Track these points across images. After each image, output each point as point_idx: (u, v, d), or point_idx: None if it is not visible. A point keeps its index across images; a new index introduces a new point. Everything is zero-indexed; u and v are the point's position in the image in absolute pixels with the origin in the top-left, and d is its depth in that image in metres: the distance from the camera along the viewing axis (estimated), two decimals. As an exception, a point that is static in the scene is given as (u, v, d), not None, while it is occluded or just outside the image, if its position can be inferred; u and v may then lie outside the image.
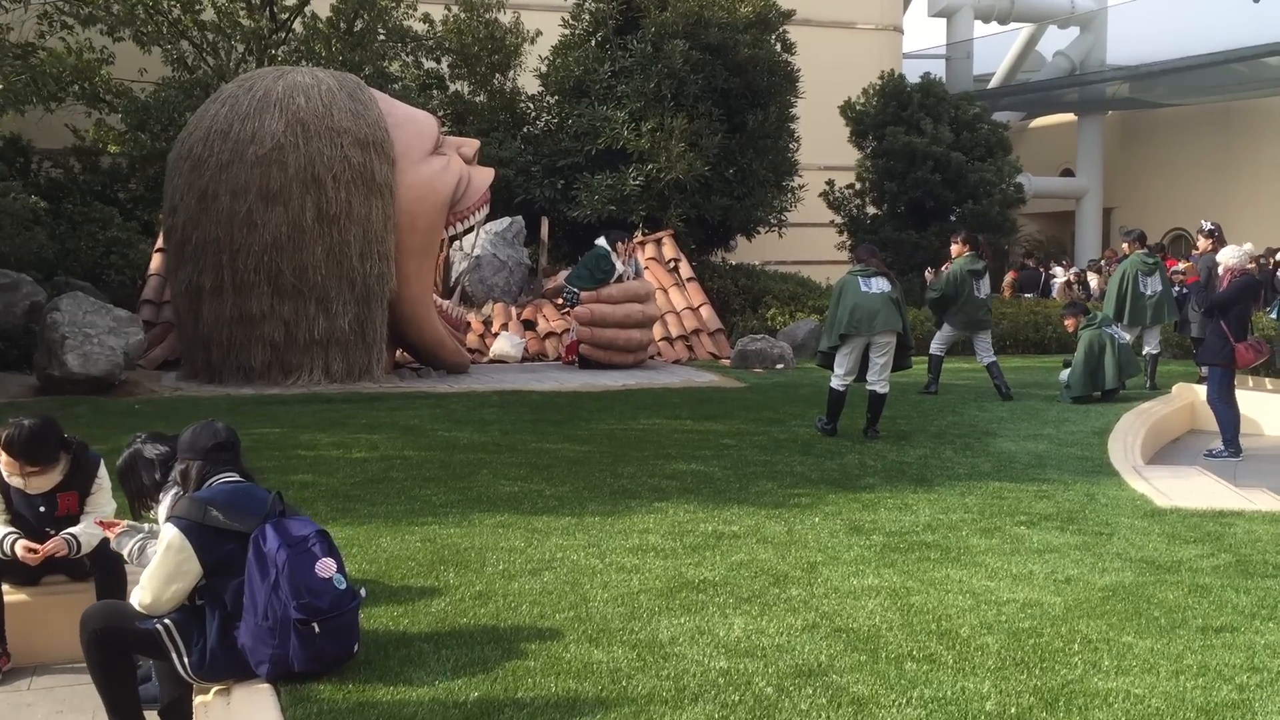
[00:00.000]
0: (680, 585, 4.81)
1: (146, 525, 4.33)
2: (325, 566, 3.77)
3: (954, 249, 11.92)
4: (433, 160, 11.61)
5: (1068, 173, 31.18)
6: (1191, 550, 5.48)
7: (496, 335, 14.30)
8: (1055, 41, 30.25)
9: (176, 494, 3.99)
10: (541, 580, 4.87)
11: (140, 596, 3.76)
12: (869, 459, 7.87)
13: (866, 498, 6.62)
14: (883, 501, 6.51)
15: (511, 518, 6.00)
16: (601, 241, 13.38)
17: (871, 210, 20.84)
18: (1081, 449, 8.40)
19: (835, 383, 8.83)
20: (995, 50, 30.22)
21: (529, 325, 14.92)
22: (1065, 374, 11.39)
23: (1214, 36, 25.06)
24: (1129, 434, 9.01)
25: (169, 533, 3.74)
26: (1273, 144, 27.20)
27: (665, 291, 15.46)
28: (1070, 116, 30.83)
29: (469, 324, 14.18)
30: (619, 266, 13.36)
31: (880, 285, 8.67)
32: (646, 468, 7.33)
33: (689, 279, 15.82)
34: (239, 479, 3.95)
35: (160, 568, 3.72)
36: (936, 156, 19.32)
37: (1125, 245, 12.51)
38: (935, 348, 11.91)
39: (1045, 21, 30.10)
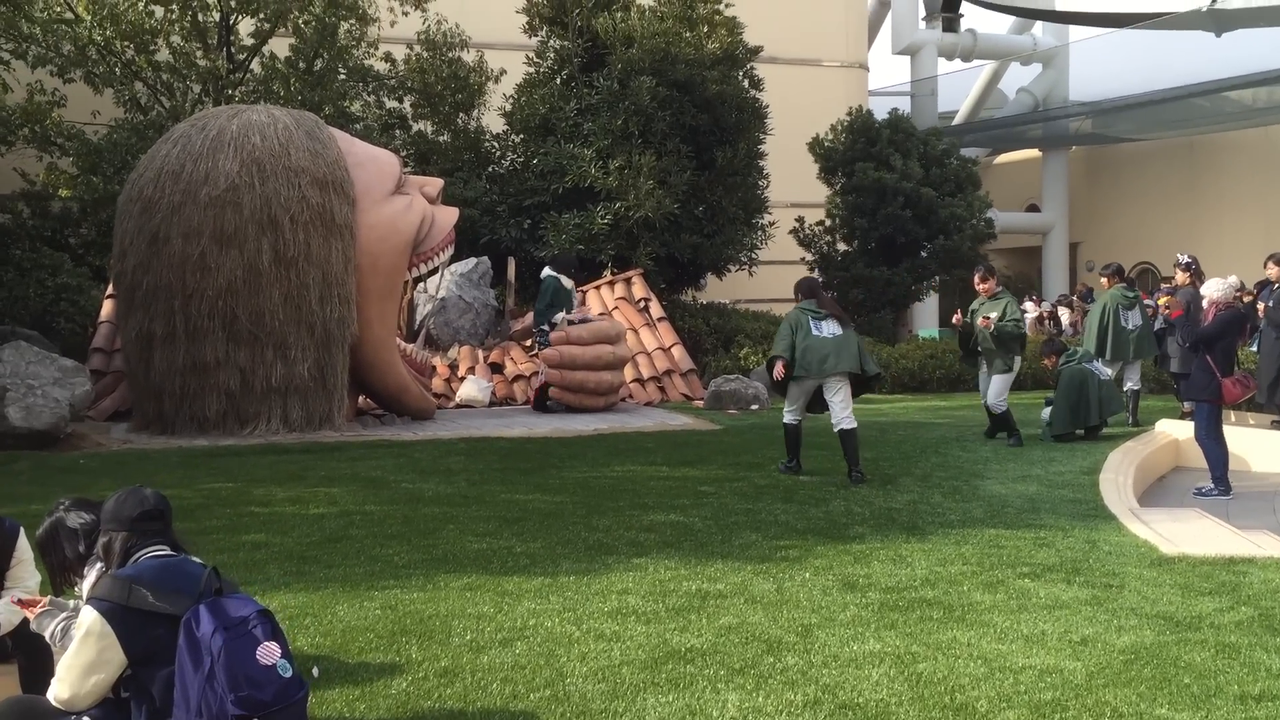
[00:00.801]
0: (666, 655, 4.41)
1: (71, 603, 3.89)
2: (268, 652, 3.33)
3: (1103, 282, 12.06)
4: (395, 200, 11.38)
5: (1033, 208, 31.29)
6: (1209, 603, 5.14)
7: (463, 379, 14.06)
8: (1018, 78, 30.45)
9: (100, 570, 3.55)
10: (513, 652, 4.46)
11: (56, 691, 3.32)
12: (855, 505, 7.54)
13: (857, 549, 6.26)
14: (875, 553, 6.16)
15: (480, 579, 5.60)
16: (548, 272, 13.15)
17: (842, 247, 20.77)
18: (1073, 490, 8.12)
19: (787, 418, 8.85)
20: (959, 87, 30.38)
21: (496, 368, 14.64)
22: (1046, 412, 11.15)
23: (1176, 71, 25.23)
24: (1119, 474, 8.74)
25: (88, 617, 3.29)
26: (1236, 177, 27.37)
27: (636, 332, 15.26)
28: (1035, 152, 30.99)
29: (434, 368, 13.91)
30: (575, 295, 13.31)
31: (831, 329, 8.69)
32: (623, 519, 6.99)
33: (659, 319, 15.63)
34: (169, 552, 3.51)
35: (78, 657, 3.28)
36: (907, 192, 19.29)
37: (1104, 280, 12.31)
38: (995, 399, 10.60)
39: (1008, 58, 30.29)
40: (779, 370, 8.61)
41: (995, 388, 10.54)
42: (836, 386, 8.67)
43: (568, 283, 13.21)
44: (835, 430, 8.67)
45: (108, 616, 3.27)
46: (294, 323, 10.69)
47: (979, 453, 9.92)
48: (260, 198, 10.64)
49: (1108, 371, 11.38)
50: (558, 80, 17.52)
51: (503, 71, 18.56)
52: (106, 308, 13.46)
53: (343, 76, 17.48)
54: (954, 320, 10.83)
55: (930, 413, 13.63)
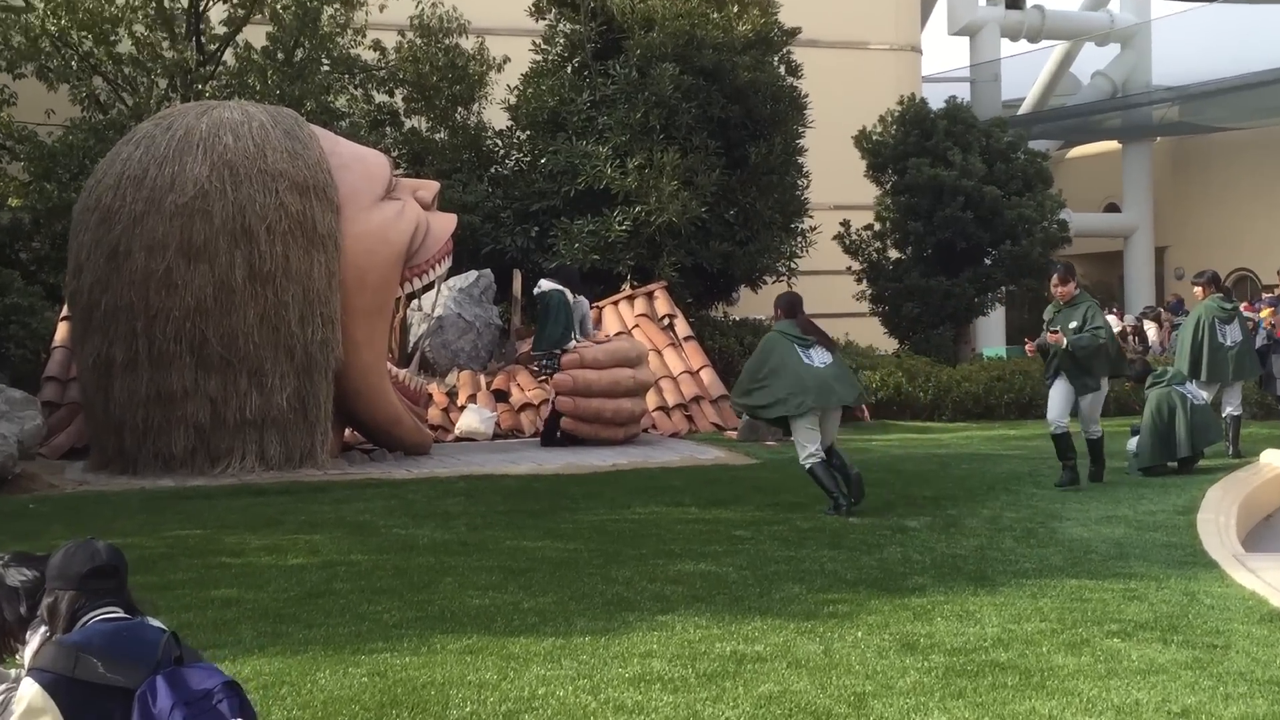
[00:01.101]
0: (696, 730, 4.31)
1: (13, 672, 3.84)
2: (235, 730, 3.26)
3: (1197, 291, 11.84)
4: (384, 206, 11.42)
5: (1112, 208, 31.14)
6: (1330, 666, 5.01)
7: (463, 409, 14.04)
8: (1093, 61, 30.35)
9: (44, 636, 3.50)
10: (520, 727, 4.38)
11: (-8, 775, 3.25)
12: (914, 552, 7.45)
13: (917, 603, 6.16)
14: (938, 608, 6.05)
15: (482, 640, 5.53)
16: (551, 286, 13.15)
17: (894, 254, 20.71)
18: (1166, 533, 8.00)
19: (811, 462, 8.79)
20: (1026, 72, 30.32)
21: (501, 396, 14.62)
22: (1133, 442, 11.03)
23: (1274, 50, 25.06)
24: (1219, 513, 8.61)
25: (28, 690, 3.23)
26: (1345, 170, 27.16)
27: (659, 353, 15.24)
28: (1113, 144, 30.84)
29: (430, 396, 13.92)
30: (588, 313, 13.50)
31: (822, 357, 8.91)
32: (646, 569, 6.92)
33: (686, 338, 15.58)
34: (123, 615, 3.44)
35: (17, 737, 3.21)
36: (967, 191, 19.26)
37: (1197, 289, 12.17)
38: (1093, 430, 10.17)
39: (1081, 39, 30.21)
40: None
41: (1087, 408, 10.02)
42: (835, 418, 8.95)
43: (571, 296, 13.22)
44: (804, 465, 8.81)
45: (51, 690, 3.21)
46: (271, 346, 10.71)
47: (1055, 489, 9.80)
48: (233, 205, 10.70)
49: (1203, 395, 11.22)
50: (568, 69, 17.56)
51: (506, 60, 18.63)
52: (61, 331, 13.52)
53: (326, 68, 17.59)
54: (1027, 349, 10.37)
55: (998, 443, 13.51)
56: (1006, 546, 7.61)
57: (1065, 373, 9.88)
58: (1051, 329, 9.92)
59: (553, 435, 12.97)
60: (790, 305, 9.22)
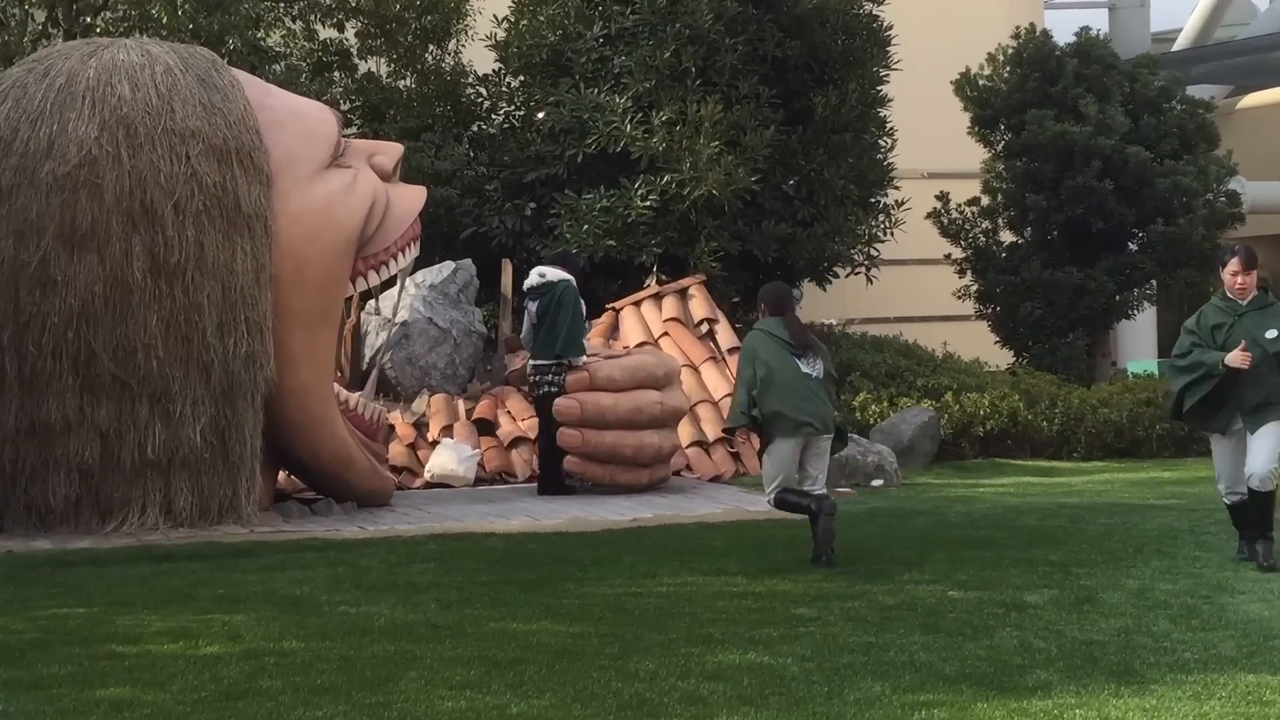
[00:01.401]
0: None
1: None
2: None
3: None
4: (330, 177, 11.46)
5: (1300, 174, 30.92)
6: None
7: (435, 445, 14.05)
8: (1273, -21, 30.18)
9: None
10: None
11: None
12: (1035, 636, 7.40)
13: (1039, 707, 6.12)
14: (1067, 714, 6.02)
15: (455, 757, 5.50)
16: (552, 273, 13.21)
17: (1008, 237, 20.59)
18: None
19: (779, 496, 9.49)
20: (1182, -6, 30.17)
21: (486, 428, 14.63)
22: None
23: None
24: None
25: None
26: None
27: (695, 370, 15.25)
28: (1301, 90, 30.66)
29: (392, 429, 13.97)
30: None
31: (818, 368, 9.48)
32: (675, 661, 6.89)
33: (731, 350, 15.49)
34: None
35: None
36: (1105, 153, 19.14)
37: None
38: (1263, 468, 9.33)
39: (1257, -51, 30.07)
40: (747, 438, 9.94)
41: (1267, 450, 9.52)
42: (823, 449, 9.60)
43: None
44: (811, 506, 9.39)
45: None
46: (180, 363, 10.75)
47: (1224, 551, 9.71)
48: (130, 176, 10.73)
49: None
50: (575, -7, 17.55)
51: (493, -19, 18.65)
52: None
53: (255, -6, 17.62)
54: (1235, 360, 9.14)
55: (1148, 489, 13.45)
56: (1160, 630, 7.54)
57: (1244, 405, 9.24)
58: (1229, 340, 9.27)
59: (553, 479, 12.91)
60: (778, 300, 9.65)
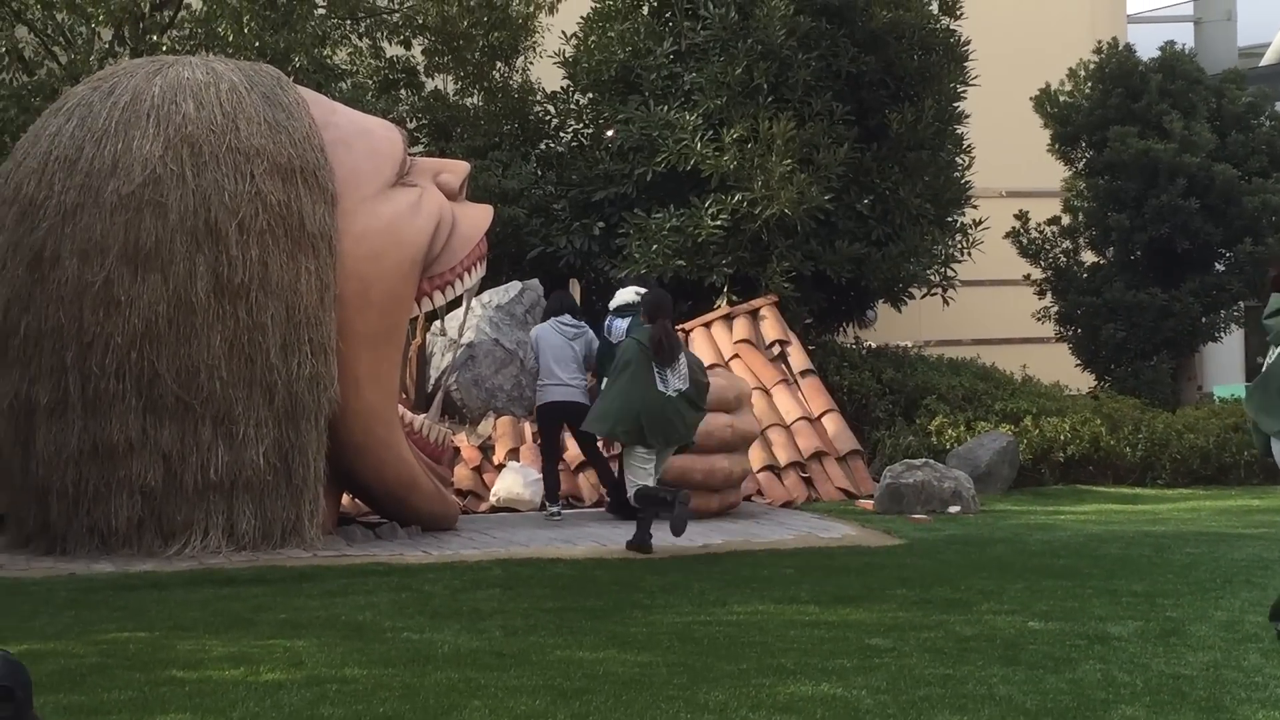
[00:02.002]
0: None
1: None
2: None
3: None
4: (396, 196, 11.51)
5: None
6: None
7: (501, 468, 14.11)
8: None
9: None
10: None
11: None
12: (1119, 670, 7.30)
13: (1125, 744, 6.00)
14: (1155, 752, 5.89)
15: (519, 789, 5.47)
16: (629, 295, 13.19)
17: (1090, 257, 20.46)
18: None
19: (643, 487, 10.64)
20: (1273, 7, 29.92)
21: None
22: None
23: None
24: None
25: None
26: None
27: (767, 393, 15.24)
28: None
29: (457, 451, 14.00)
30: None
31: (676, 383, 10.17)
32: (745, 692, 6.84)
33: (804, 372, 15.54)
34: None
35: None
36: (1191, 170, 19.07)
37: None
38: None
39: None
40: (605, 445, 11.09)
41: None
42: (666, 455, 10.78)
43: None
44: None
45: None
46: (244, 384, 10.79)
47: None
48: (194, 195, 10.80)
49: None
50: (644, 9, 17.60)
51: (562, -3, 18.73)
52: (-30, 364, 13.73)
53: (322, 11, 17.77)
54: None
55: (1236, 518, 13.32)
56: (1250, 664, 7.42)
57: None
58: None
59: (624, 502, 12.62)
60: (654, 307, 10.07)
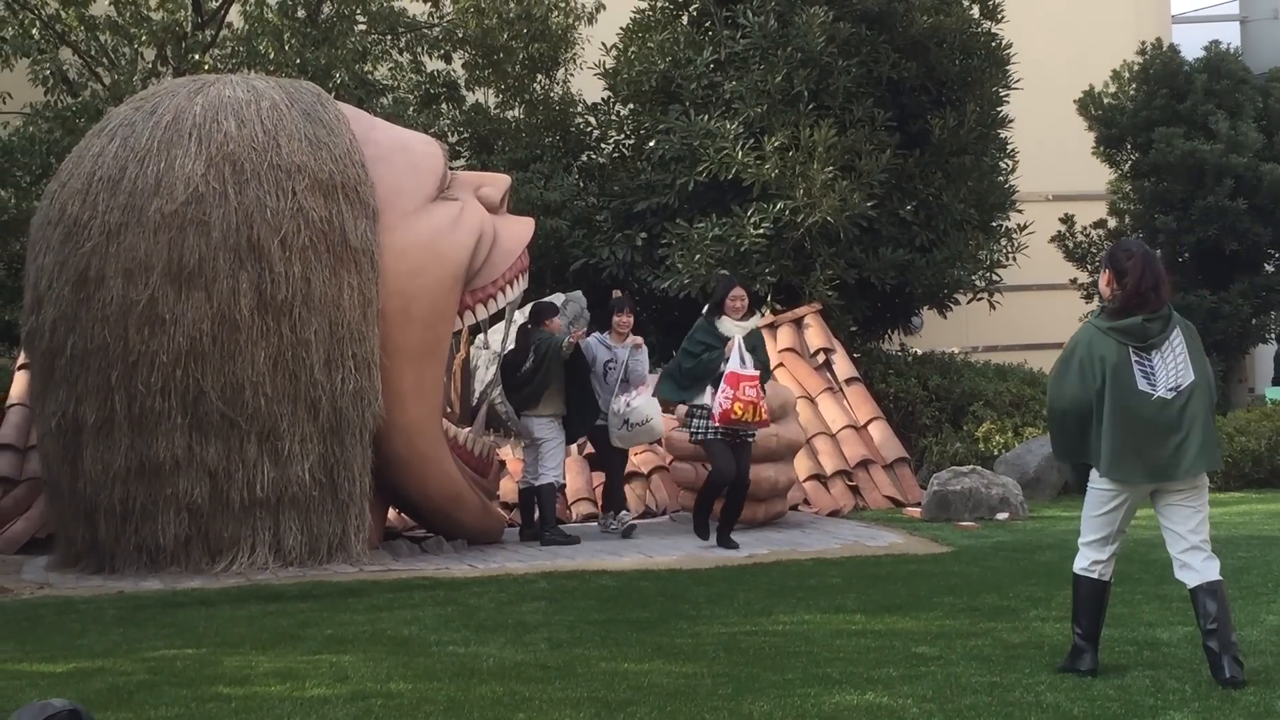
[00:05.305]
0: None
1: None
2: None
3: None
4: (437, 210, 11.55)
5: None
6: None
7: (545, 480, 13.98)
8: None
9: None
10: None
11: None
12: (1169, 677, 7.25)
13: (1174, 752, 5.96)
14: (1204, 758, 5.85)
15: (564, 802, 5.48)
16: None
17: (1136, 261, 20.32)
18: None
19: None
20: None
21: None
22: None
23: None
24: None
25: None
26: None
27: (812, 401, 15.23)
28: None
29: (502, 465, 13.99)
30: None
31: None
32: (791, 702, 6.83)
33: (849, 380, 15.52)
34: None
35: None
36: (1238, 171, 18.95)
37: None
38: None
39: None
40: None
41: None
42: None
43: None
44: None
45: None
46: (288, 400, 10.84)
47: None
48: (237, 213, 10.86)
49: None
50: (684, 19, 17.62)
51: (600, 8, 18.76)
52: (17, 383, 13.86)
53: (362, 27, 17.87)
54: None
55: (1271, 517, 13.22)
56: (1302, 669, 7.34)
57: None
58: None
59: (707, 521, 12.08)
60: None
